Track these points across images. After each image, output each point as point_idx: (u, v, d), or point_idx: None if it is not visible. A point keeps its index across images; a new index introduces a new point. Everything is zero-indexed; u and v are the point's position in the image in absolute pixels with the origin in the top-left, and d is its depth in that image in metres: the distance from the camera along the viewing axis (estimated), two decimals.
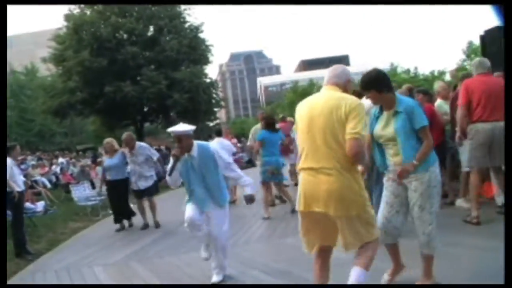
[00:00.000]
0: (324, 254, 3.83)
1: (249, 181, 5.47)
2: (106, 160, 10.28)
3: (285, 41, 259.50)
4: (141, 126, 30.72)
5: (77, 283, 6.30)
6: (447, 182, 8.02)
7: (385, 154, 4.27)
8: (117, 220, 10.18)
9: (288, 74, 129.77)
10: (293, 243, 6.98)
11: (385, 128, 4.14)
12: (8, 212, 9.82)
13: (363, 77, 4.21)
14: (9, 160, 8.25)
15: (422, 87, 9.73)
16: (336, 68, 3.97)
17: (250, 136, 12.29)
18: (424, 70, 59.38)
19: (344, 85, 3.83)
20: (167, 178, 5.37)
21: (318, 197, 3.54)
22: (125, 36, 28.85)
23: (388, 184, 4.31)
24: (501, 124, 5.95)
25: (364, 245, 3.64)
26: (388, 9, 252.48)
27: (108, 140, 10.47)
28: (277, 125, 12.42)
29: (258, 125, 11.10)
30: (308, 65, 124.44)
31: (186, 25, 30.70)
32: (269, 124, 9.69)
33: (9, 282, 6.65)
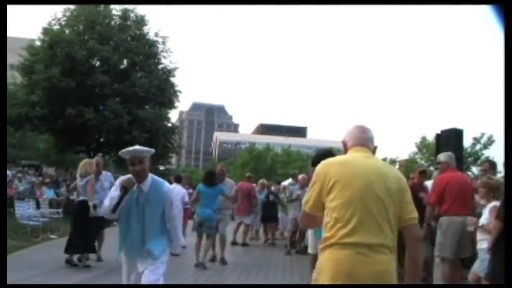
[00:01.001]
0: None
1: (181, 243, 4.90)
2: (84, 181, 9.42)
3: (248, 102, 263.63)
4: (94, 155, 30.12)
5: None
6: (398, 268, 8.29)
7: None
8: (70, 250, 9.03)
9: (246, 134, 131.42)
10: None
11: None
12: None
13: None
14: None
15: None
16: (368, 130, 3.42)
17: None
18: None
19: (374, 151, 3.39)
20: (105, 213, 4.51)
21: (367, 279, 2.86)
22: (98, 63, 28.72)
23: None
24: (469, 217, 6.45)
25: None
26: (351, 89, 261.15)
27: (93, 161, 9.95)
28: (239, 184, 12.47)
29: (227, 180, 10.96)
30: (266, 129, 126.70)
31: (160, 66, 30.83)
32: (207, 178, 9.94)
33: None
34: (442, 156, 7.59)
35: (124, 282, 4.51)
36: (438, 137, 11.87)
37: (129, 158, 4.37)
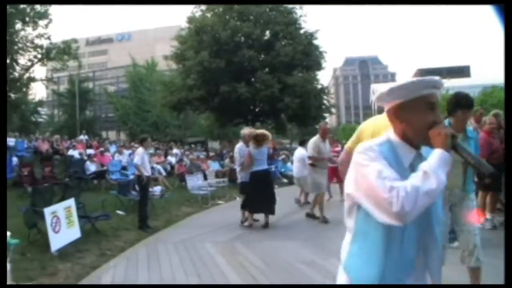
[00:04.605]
0: None
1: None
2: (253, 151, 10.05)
3: (402, 48, 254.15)
4: (252, 125, 31.98)
5: (192, 254, 7.48)
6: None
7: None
8: (255, 209, 9.96)
9: None
10: None
11: None
12: (134, 193, 11.59)
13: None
14: (141, 149, 10.08)
15: None
16: None
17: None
18: None
19: None
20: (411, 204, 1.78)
21: None
22: (242, 39, 30.27)
23: None
24: None
25: None
26: None
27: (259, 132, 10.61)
28: None
29: (315, 138, 10.48)
30: (425, 74, 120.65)
31: (301, 31, 31.63)
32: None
33: (135, 248, 8.07)
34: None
35: None
36: None
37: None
